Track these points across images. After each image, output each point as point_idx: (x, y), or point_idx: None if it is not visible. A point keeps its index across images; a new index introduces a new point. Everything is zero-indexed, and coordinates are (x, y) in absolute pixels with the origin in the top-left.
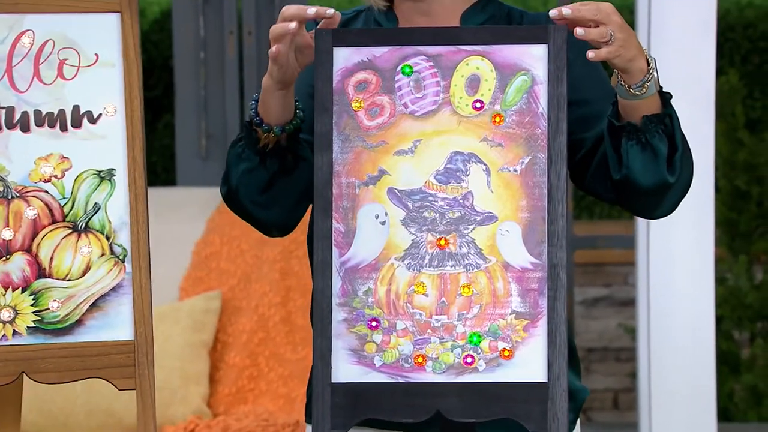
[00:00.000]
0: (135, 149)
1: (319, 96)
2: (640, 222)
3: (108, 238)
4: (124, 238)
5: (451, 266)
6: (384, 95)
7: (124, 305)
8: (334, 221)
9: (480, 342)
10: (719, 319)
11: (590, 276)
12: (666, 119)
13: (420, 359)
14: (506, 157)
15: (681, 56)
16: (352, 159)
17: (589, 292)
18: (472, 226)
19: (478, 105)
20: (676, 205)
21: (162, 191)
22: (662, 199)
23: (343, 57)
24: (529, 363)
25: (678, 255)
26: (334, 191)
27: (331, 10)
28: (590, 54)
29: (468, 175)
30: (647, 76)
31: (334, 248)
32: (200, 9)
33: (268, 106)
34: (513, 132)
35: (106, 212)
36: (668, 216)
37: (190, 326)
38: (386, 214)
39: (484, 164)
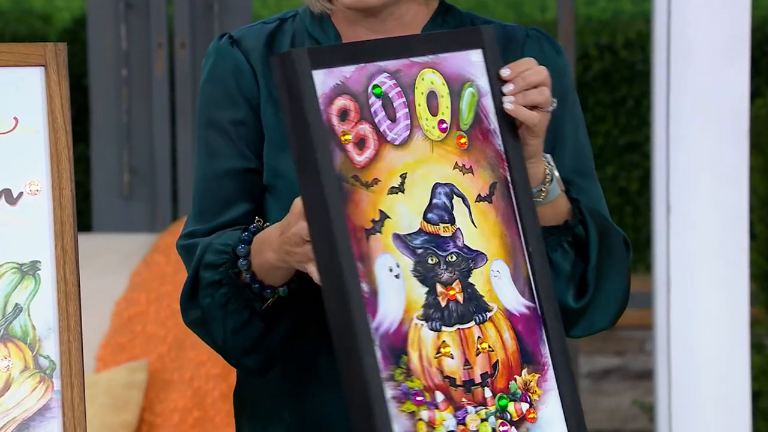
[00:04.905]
0: (65, 237)
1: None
2: (659, 276)
3: (32, 348)
4: (51, 348)
5: (465, 320)
6: (365, 123)
7: None
8: (360, 280)
9: (507, 406)
10: (756, 396)
11: (598, 343)
12: (578, 228)
13: None
14: (477, 184)
15: (707, 76)
16: (354, 203)
17: (597, 362)
18: (469, 270)
19: (443, 126)
20: (605, 324)
21: None
22: (572, 323)
23: (320, 81)
24: (553, 424)
25: (705, 317)
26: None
27: None
28: (509, 107)
29: (453, 210)
30: (547, 176)
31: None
32: (122, 16)
33: (275, 276)
34: (477, 155)
35: (29, 315)
36: (691, 270)
37: (108, 404)
38: (398, 265)
39: (462, 195)
